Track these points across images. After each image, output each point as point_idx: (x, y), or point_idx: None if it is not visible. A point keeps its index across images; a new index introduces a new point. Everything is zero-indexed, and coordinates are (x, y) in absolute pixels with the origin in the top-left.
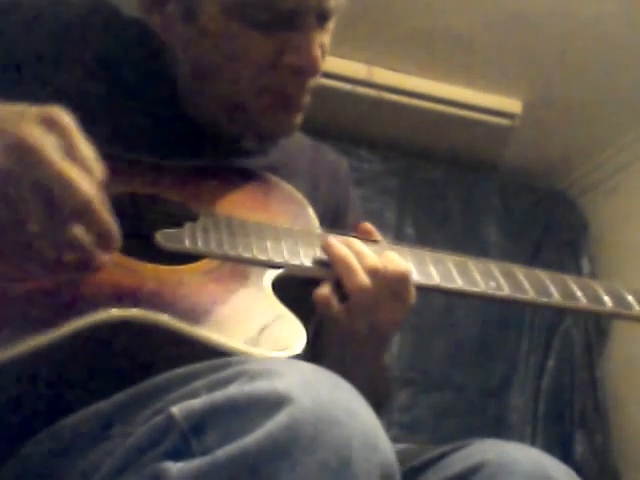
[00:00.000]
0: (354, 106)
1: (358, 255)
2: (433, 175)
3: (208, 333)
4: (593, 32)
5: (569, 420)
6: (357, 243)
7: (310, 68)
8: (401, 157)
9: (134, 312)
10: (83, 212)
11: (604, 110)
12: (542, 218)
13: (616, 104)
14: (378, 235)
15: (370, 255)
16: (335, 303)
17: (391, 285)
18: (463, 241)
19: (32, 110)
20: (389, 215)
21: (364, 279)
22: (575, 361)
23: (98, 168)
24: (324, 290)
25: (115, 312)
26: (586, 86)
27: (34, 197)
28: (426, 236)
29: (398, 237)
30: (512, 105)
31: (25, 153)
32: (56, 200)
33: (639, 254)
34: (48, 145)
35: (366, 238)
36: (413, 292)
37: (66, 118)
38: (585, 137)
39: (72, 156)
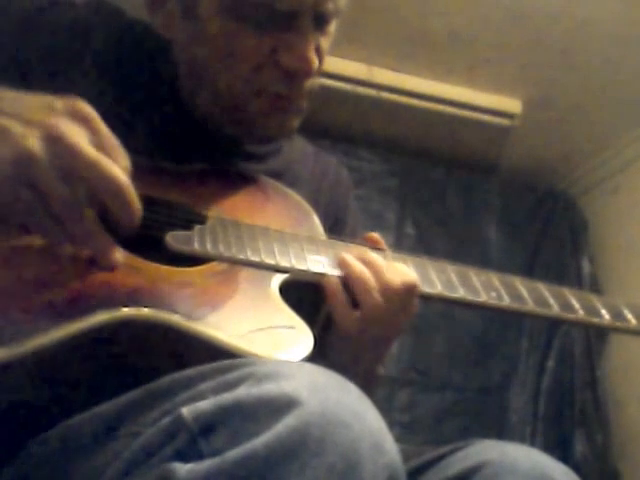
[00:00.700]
0: (354, 106)
1: (376, 272)
2: (433, 175)
3: (215, 333)
4: (593, 32)
5: (569, 420)
6: (374, 258)
7: (303, 70)
8: (401, 157)
9: (145, 312)
10: (113, 195)
11: (604, 110)
12: (542, 218)
13: (616, 104)
14: (384, 245)
15: (386, 270)
16: (342, 296)
17: (402, 299)
18: (463, 241)
19: (57, 101)
20: (389, 215)
21: (379, 297)
22: (575, 361)
23: (124, 157)
24: (334, 279)
25: (126, 311)
26: (586, 86)
27: (64, 186)
28: (426, 236)
29: (398, 237)
30: (512, 105)
31: (57, 143)
32: (87, 185)
33: (639, 254)
34: (77, 133)
35: (373, 247)
36: (417, 302)
37: (90, 109)
38: (585, 137)
39: (100, 145)
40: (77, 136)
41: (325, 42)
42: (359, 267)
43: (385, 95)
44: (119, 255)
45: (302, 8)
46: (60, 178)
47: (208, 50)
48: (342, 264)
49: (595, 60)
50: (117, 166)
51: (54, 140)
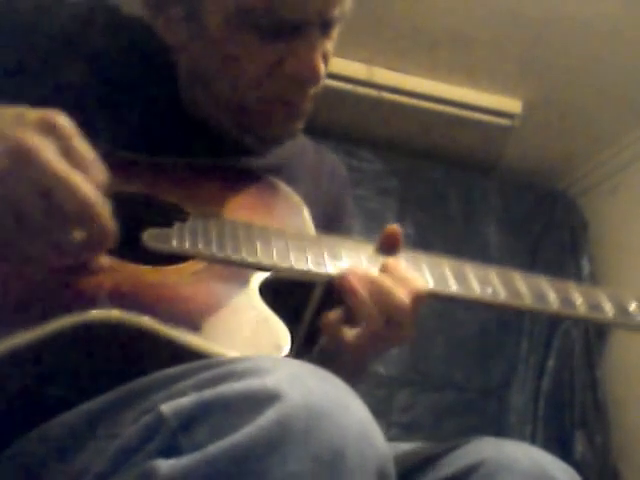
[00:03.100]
0: (354, 106)
1: (383, 295)
2: (433, 175)
3: (189, 337)
4: (593, 32)
5: (569, 420)
6: (382, 282)
7: (311, 77)
8: (401, 157)
9: (114, 314)
10: (82, 214)
11: (604, 110)
12: (542, 218)
13: (616, 104)
14: (400, 239)
15: (396, 293)
16: (341, 327)
17: (413, 312)
18: (463, 241)
19: (30, 113)
20: (389, 215)
21: (382, 321)
22: (575, 361)
23: (99, 170)
24: (334, 316)
25: (95, 314)
26: (586, 86)
27: (34, 201)
28: (426, 236)
29: None
30: (512, 105)
31: (24, 157)
32: (56, 203)
33: (639, 254)
34: (47, 148)
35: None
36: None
37: (64, 120)
38: (585, 137)
39: (71, 158)
40: (46, 150)
41: (330, 46)
42: (362, 293)
43: (385, 95)
44: (104, 260)
45: (309, 16)
46: (31, 193)
47: (213, 57)
48: (345, 285)
49: (595, 60)
50: (88, 180)
51: (22, 155)
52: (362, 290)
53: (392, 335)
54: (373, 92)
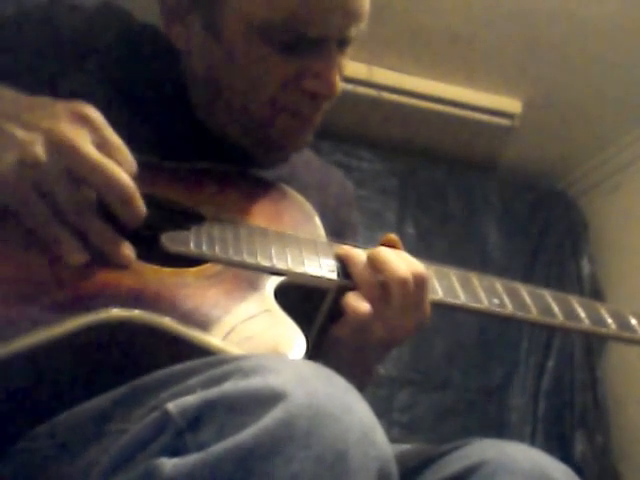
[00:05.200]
0: (354, 106)
1: (369, 252)
2: (433, 175)
3: (208, 338)
4: (593, 32)
5: (569, 420)
6: (384, 253)
7: (327, 93)
8: (401, 157)
9: (135, 313)
10: (119, 200)
11: (604, 110)
12: (542, 218)
13: (616, 104)
14: (401, 247)
15: (399, 266)
16: (364, 308)
17: (417, 294)
18: (463, 241)
19: (59, 105)
20: (389, 215)
21: (368, 273)
22: (575, 361)
23: (129, 159)
24: (354, 300)
25: (116, 312)
26: (586, 86)
27: (70, 190)
28: (426, 236)
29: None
30: (512, 105)
31: (62, 147)
32: (94, 189)
33: (639, 254)
34: (83, 139)
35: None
36: (427, 303)
37: (94, 112)
38: (585, 137)
39: (105, 148)
40: (80, 139)
41: (344, 61)
42: (353, 250)
43: (385, 95)
44: (131, 252)
45: (329, 33)
46: (66, 182)
47: (229, 66)
48: (339, 251)
49: (595, 60)
50: (121, 168)
51: (58, 145)
52: (361, 256)
53: (392, 310)
54: (373, 92)
